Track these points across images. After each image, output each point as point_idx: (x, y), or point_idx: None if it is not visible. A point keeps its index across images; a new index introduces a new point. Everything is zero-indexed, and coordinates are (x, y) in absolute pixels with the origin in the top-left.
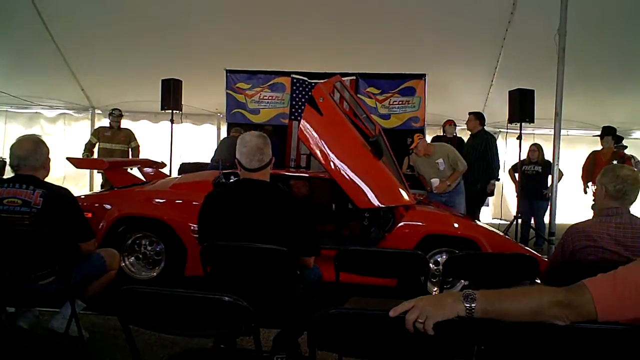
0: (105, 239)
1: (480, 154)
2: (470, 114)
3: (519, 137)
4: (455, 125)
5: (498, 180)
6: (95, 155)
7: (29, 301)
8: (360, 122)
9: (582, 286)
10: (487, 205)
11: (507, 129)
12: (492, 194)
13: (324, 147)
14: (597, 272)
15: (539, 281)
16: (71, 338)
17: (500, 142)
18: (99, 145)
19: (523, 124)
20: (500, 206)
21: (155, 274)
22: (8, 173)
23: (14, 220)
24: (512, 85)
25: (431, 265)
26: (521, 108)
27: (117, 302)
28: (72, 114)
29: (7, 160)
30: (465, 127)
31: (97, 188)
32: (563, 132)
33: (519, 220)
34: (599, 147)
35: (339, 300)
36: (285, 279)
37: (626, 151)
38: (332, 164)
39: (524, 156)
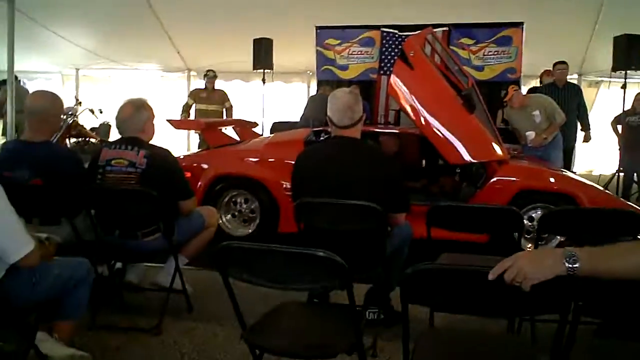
0: (204, 197)
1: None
2: (561, 63)
3: (624, 87)
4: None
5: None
6: (192, 116)
7: (136, 257)
8: (452, 75)
9: None
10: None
11: (610, 77)
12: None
13: (414, 102)
14: None
15: None
16: (176, 291)
17: (602, 92)
18: (195, 106)
19: (628, 72)
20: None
21: (250, 230)
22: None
23: (122, 180)
24: (615, 31)
25: (525, 221)
26: (627, 55)
27: (217, 258)
28: (169, 76)
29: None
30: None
31: (194, 149)
32: None
33: (621, 175)
34: None
35: (430, 256)
36: (376, 236)
37: None
38: (422, 119)
39: (627, 107)
